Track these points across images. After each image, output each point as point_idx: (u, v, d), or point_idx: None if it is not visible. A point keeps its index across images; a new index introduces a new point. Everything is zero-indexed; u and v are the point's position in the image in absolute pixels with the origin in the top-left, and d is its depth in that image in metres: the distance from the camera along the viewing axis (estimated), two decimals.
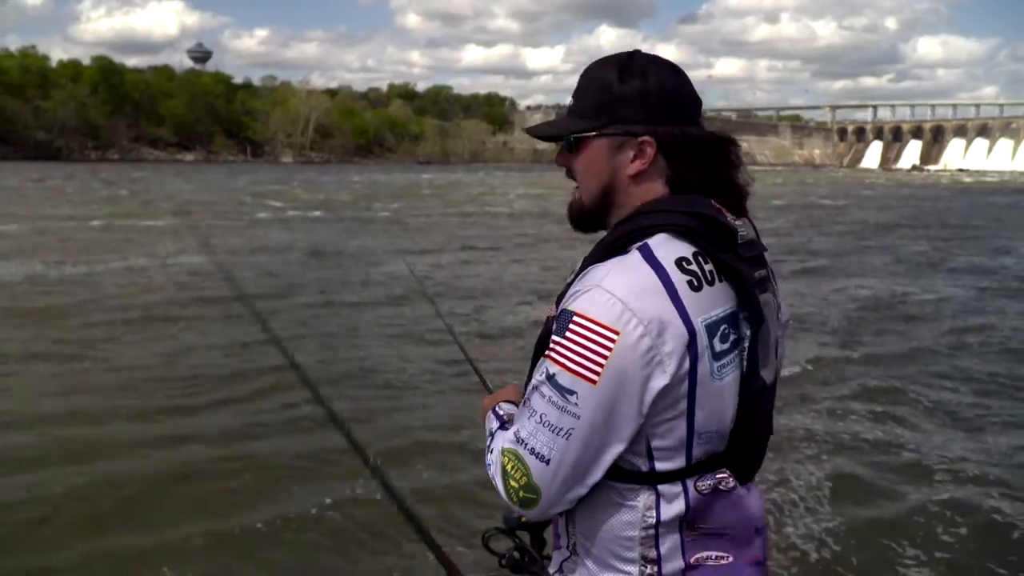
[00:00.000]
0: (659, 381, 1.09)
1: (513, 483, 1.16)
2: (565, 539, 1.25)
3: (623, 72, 1.20)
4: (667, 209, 1.17)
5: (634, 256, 1.13)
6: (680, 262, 1.12)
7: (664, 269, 1.11)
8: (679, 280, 1.11)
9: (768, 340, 1.20)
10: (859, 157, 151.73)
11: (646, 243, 1.14)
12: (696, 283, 1.12)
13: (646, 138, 1.19)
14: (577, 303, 1.11)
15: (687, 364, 1.10)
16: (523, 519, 1.36)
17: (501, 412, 1.33)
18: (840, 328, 8.85)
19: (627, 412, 1.09)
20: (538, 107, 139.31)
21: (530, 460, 1.13)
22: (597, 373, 1.08)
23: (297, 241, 15.98)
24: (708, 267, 1.14)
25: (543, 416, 1.12)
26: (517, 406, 1.33)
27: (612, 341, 1.07)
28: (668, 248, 1.13)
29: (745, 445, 1.20)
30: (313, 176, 51.37)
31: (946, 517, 4.21)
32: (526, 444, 1.14)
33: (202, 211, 22.63)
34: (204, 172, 54.04)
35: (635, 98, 1.19)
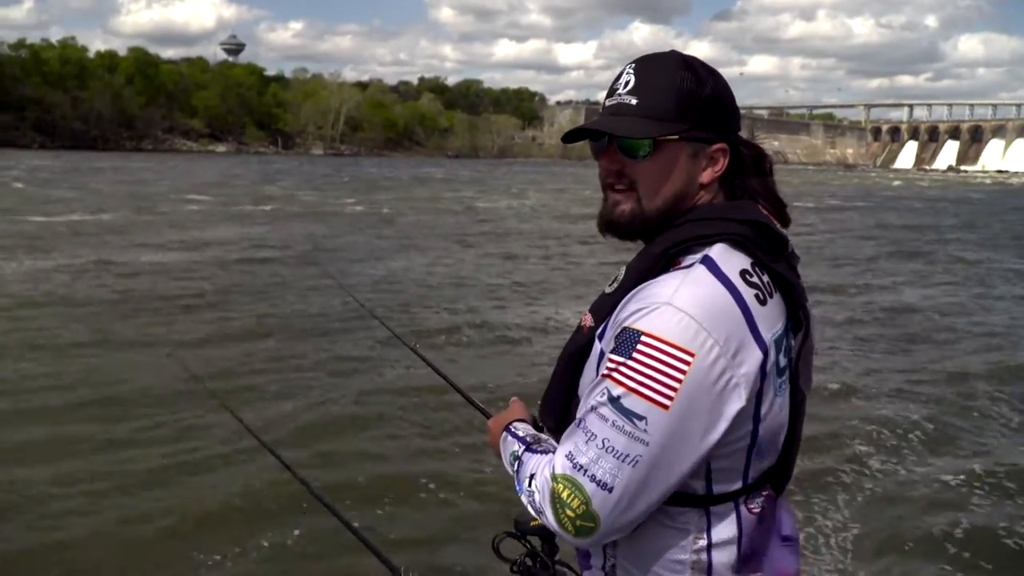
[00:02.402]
0: (735, 405, 1.03)
1: (569, 512, 1.07)
2: (600, 560, 1.19)
3: (697, 75, 1.15)
4: (722, 217, 1.13)
5: (700, 270, 1.07)
6: (744, 275, 1.08)
7: (733, 284, 1.06)
8: (748, 295, 1.06)
9: (809, 352, 1.18)
10: (893, 157, 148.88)
11: (708, 255, 1.09)
12: (762, 297, 1.08)
13: (722, 146, 1.16)
14: (645, 322, 1.04)
15: (758, 383, 1.06)
16: (533, 523, 1.30)
17: (521, 433, 1.26)
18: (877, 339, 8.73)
19: (700, 437, 1.03)
20: (568, 102, 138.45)
21: (590, 488, 1.05)
22: (670, 398, 1.01)
23: None
24: (765, 279, 1.11)
25: (606, 441, 1.04)
26: (526, 423, 1.30)
27: (687, 364, 1.01)
28: (731, 260, 1.09)
29: (786, 459, 1.18)
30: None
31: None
32: (586, 471, 1.06)
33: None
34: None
35: (713, 104, 1.15)
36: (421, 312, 9.05)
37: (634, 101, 1.14)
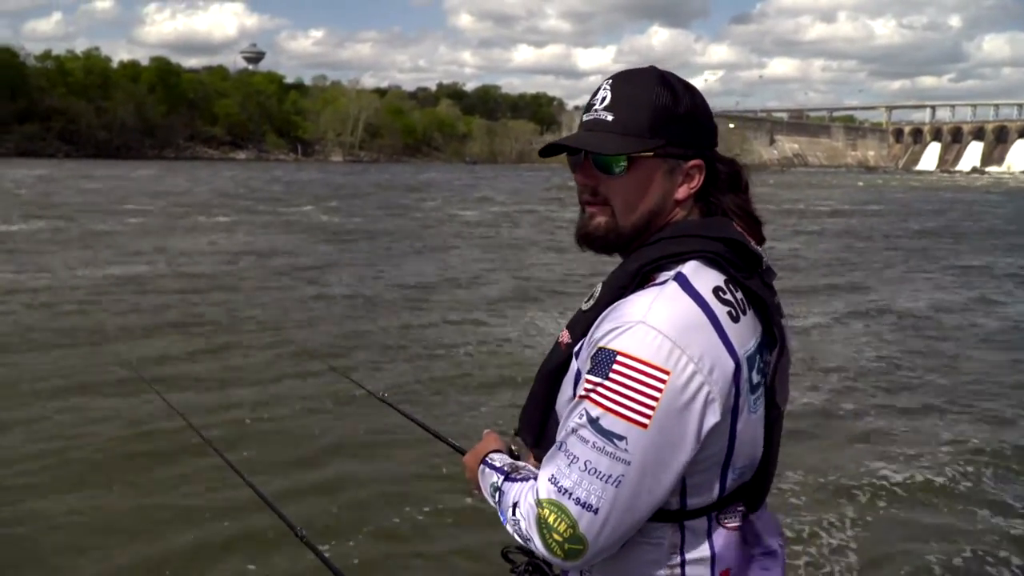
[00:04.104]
0: (711, 419, 1.05)
1: (556, 536, 1.08)
2: (577, 574, 1.20)
3: (673, 91, 1.15)
4: (696, 234, 1.14)
5: (672, 288, 1.08)
6: (717, 292, 1.09)
7: (705, 301, 1.07)
8: (720, 312, 1.08)
9: (785, 368, 1.18)
10: (916, 159, 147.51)
11: (680, 272, 1.10)
12: (734, 314, 1.09)
13: (698, 162, 1.17)
14: (619, 341, 1.05)
15: (732, 399, 1.07)
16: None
17: (498, 464, 1.25)
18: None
19: (679, 454, 1.05)
20: None
21: (575, 510, 1.06)
22: (648, 416, 1.02)
23: None
24: (739, 295, 1.12)
25: (588, 463, 1.05)
26: (502, 453, 1.29)
27: (663, 382, 1.02)
28: (703, 277, 1.10)
29: (762, 475, 1.18)
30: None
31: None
32: (570, 494, 1.06)
33: None
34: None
35: (689, 120, 1.15)
36: (384, 355, 7.44)
37: (610, 117, 1.15)
